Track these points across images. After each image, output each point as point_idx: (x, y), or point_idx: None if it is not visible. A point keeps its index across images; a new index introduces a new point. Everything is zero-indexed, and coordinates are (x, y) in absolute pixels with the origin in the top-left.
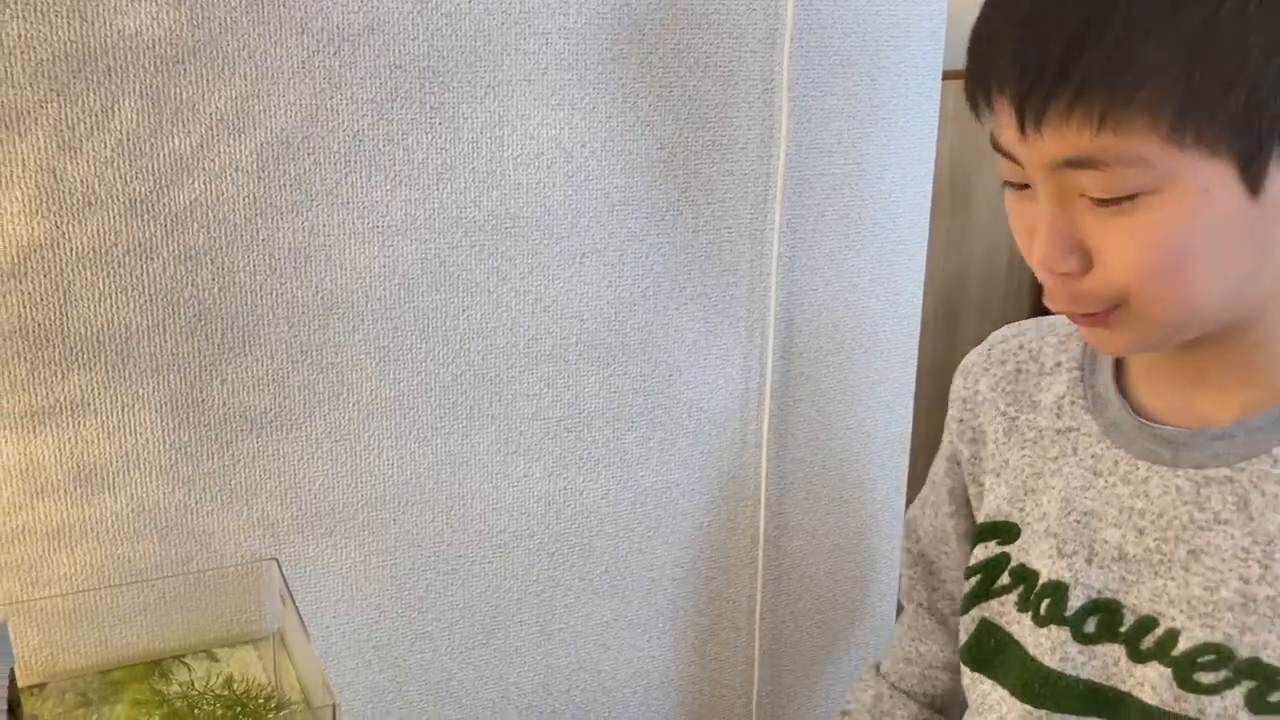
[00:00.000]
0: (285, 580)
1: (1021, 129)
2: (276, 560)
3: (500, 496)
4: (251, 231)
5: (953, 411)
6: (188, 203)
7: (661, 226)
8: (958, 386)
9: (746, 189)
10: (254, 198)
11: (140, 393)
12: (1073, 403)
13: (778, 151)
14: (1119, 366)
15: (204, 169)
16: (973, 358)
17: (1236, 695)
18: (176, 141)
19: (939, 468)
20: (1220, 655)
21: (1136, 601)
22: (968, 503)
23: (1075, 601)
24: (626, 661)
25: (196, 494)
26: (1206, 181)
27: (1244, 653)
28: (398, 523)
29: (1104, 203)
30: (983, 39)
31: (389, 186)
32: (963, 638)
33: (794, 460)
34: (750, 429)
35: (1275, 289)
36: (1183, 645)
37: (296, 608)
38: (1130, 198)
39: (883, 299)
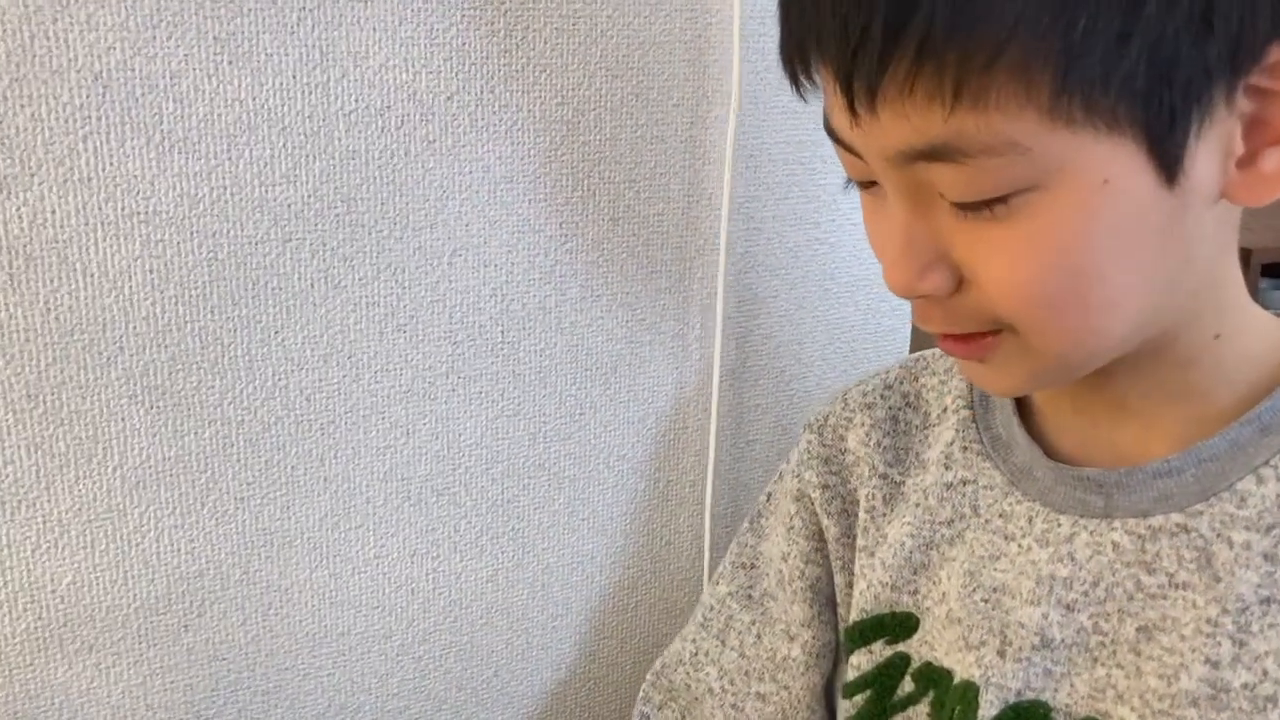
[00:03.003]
0: None
1: (852, 109)
2: None
3: (340, 587)
4: None
5: (808, 479)
6: None
7: (565, 212)
8: (810, 447)
9: (683, 161)
10: None
11: None
12: (964, 449)
13: (724, 111)
14: (1020, 400)
15: None
16: (826, 409)
17: None
18: None
19: (775, 570)
20: None
21: (1070, 701)
22: (831, 606)
23: (988, 709)
24: None
25: None
26: (1106, 170)
27: None
28: (191, 629)
29: (969, 208)
30: None
31: (153, 155)
32: None
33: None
34: (689, 481)
35: (1202, 290)
36: None
37: None
38: (1003, 200)
39: (862, 308)
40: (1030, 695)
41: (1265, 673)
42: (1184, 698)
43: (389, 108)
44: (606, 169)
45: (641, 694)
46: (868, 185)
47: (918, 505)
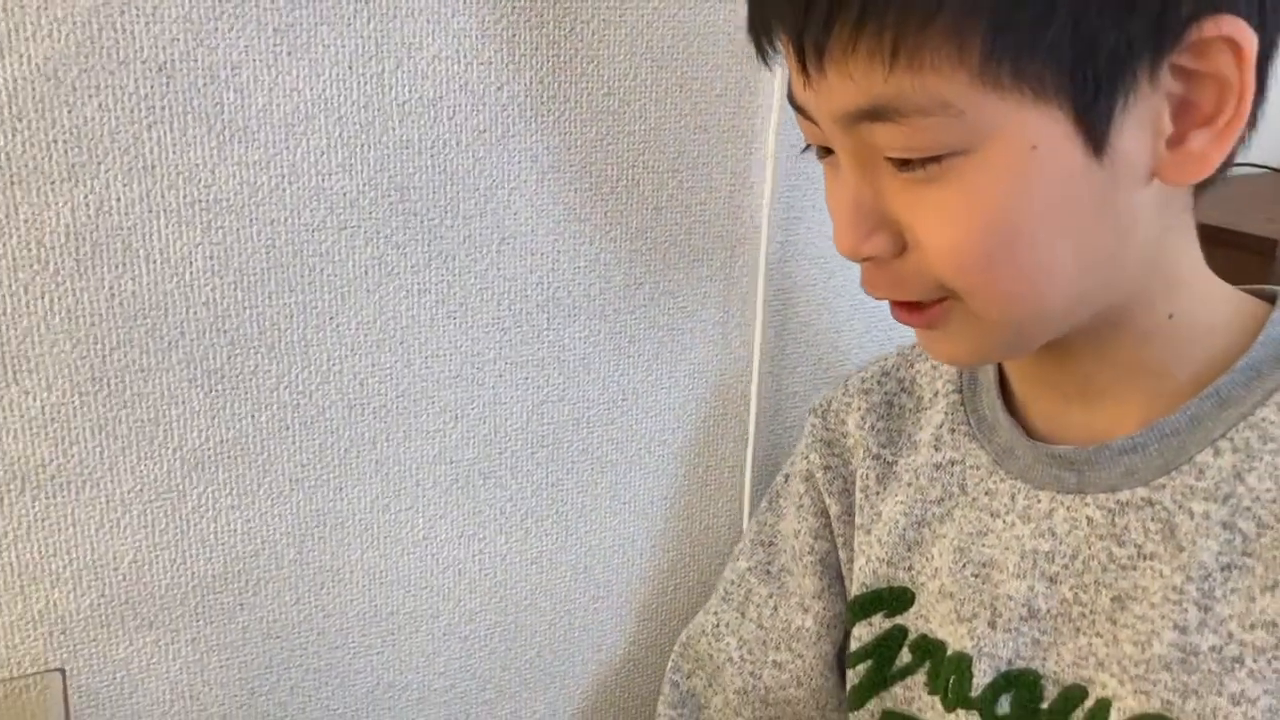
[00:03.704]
0: (67, 698)
1: (804, 70)
2: (62, 671)
3: (390, 568)
4: (6, 208)
5: (813, 460)
6: None
7: (610, 201)
8: (814, 430)
9: (726, 150)
10: (7, 158)
11: None
12: (952, 430)
13: (768, 100)
14: (1004, 384)
15: None
16: (829, 394)
17: None
18: None
19: (790, 546)
20: None
21: (1058, 669)
22: (840, 579)
23: (982, 677)
24: None
25: None
26: (1034, 137)
27: None
28: (247, 608)
29: (906, 165)
30: None
31: (214, 144)
32: None
33: None
34: (728, 466)
35: (1149, 270)
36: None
37: None
38: (936, 159)
39: None
40: (1020, 664)
41: (1230, 635)
42: (1157, 662)
43: (441, 98)
44: (651, 158)
45: (671, 663)
46: (826, 155)
47: (909, 485)
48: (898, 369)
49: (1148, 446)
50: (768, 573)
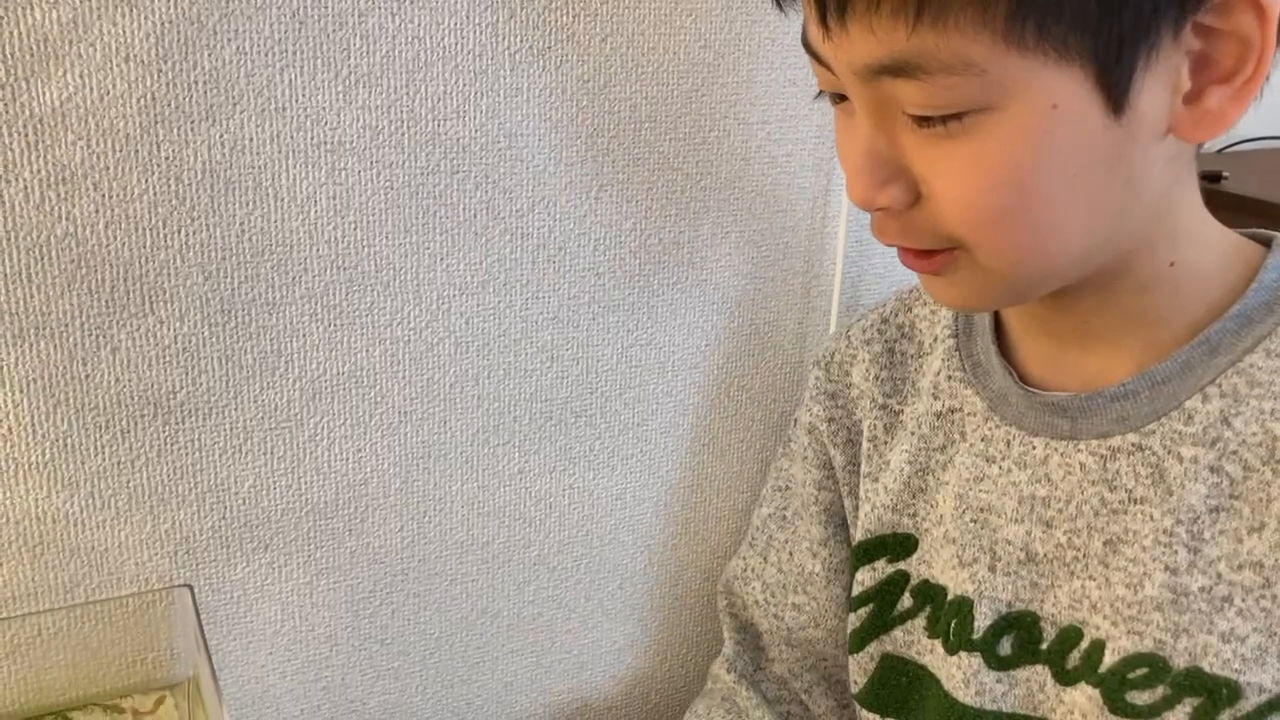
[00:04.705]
0: (198, 612)
1: (824, 23)
2: (190, 586)
3: (488, 499)
4: (149, 145)
5: (816, 413)
6: (57, 103)
7: (703, 150)
8: (818, 383)
9: (812, 102)
10: (152, 98)
11: (1, 366)
12: (949, 377)
13: None
14: (999, 327)
15: (80, 56)
16: (832, 345)
17: (1179, 717)
18: (38, 15)
19: (799, 492)
20: (1154, 668)
21: (1055, 611)
22: (845, 526)
23: (983, 620)
24: (641, 697)
25: (82, 500)
26: (1055, 96)
27: (1180, 662)
28: (355, 534)
29: (925, 121)
30: None
31: (341, 88)
32: (858, 680)
33: None
34: None
35: (1154, 221)
36: (1109, 659)
37: (208, 649)
38: (957, 117)
39: None
40: (1020, 606)
41: (1219, 575)
42: (1149, 603)
43: (550, 48)
44: (742, 109)
45: (720, 602)
46: (839, 101)
47: (913, 433)
48: (896, 314)
49: (1139, 393)
50: (784, 518)
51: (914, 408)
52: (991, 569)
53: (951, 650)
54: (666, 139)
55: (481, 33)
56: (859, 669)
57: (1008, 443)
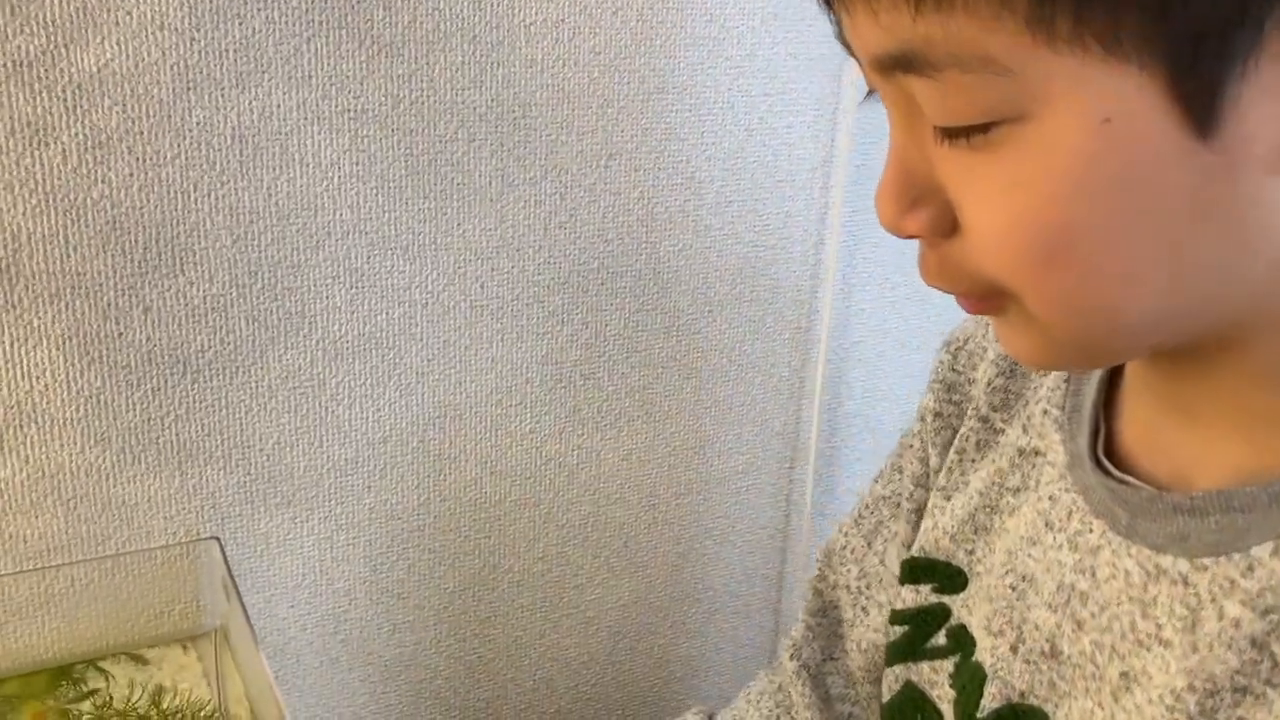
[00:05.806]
0: (228, 564)
1: (829, 4)
2: (218, 539)
3: (500, 458)
4: (182, 111)
5: (928, 401)
6: (94, 70)
7: (708, 122)
8: (940, 366)
9: (813, 76)
10: (185, 65)
11: (36, 324)
12: (1045, 412)
13: None
14: (1117, 372)
15: (117, 24)
16: (969, 329)
17: None
18: None
19: (903, 482)
20: None
21: None
22: None
23: (991, 701)
24: (645, 651)
25: (113, 455)
26: (1108, 106)
27: None
28: (373, 490)
29: (950, 133)
30: None
31: (364, 58)
32: (884, 694)
33: (847, 415)
34: (802, 378)
35: (1277, 286)
36: None
37: (241, 599)
38: (983, 128)
39: None
40: (1035, 701)
41: None
42: None
43: (563, 20)
44: (746, 82)
45: (816, 571)
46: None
47: (995, 461)
48: None
49: (1208, 515)
50: (898, 505)
51: (1013, 431)
52: (1014, 649)
53: (957, 716)
54: (673, 110)
55: (499, 4)
56: (886, 685)
57: (1070, 513)
